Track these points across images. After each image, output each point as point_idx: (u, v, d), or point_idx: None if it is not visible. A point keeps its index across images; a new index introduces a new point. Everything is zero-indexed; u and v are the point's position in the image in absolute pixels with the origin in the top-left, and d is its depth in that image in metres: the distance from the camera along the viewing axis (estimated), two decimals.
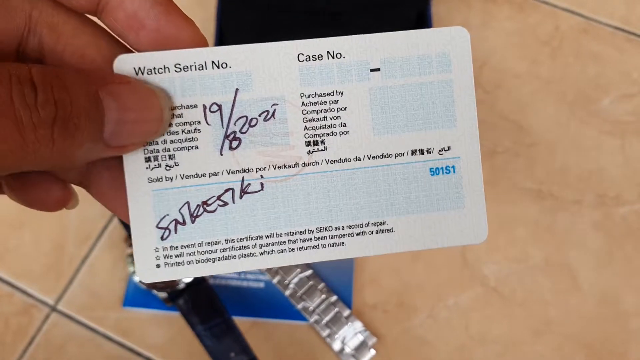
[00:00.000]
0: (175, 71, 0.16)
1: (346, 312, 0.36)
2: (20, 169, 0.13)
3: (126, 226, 0.38)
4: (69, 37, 0.15)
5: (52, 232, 0.39)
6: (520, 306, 0.37)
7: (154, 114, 0.15)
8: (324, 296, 0.36)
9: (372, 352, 0.35)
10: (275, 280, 0.37)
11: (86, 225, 0.39)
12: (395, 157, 0.17)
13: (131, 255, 0.36)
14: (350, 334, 0.35)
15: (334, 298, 0.36)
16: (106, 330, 0.36)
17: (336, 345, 0.35)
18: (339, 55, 0.17)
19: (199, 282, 0.35)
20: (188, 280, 0.35)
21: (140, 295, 0.36)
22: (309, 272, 0.37)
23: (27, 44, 0.15)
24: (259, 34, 0.39)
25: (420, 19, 0.41)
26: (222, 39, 0.40)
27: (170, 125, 0.16)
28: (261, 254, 0.17)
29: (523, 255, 0.38)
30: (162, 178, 0.17)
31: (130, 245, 0.36)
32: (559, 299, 0.37)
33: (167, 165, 0.17)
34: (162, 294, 0.35)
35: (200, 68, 0.16)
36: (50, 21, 0.15)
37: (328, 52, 0.17)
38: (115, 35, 0.16)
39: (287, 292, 0.36)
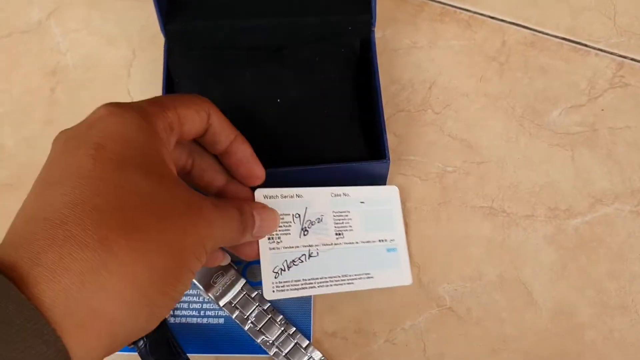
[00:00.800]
0: (281, 198, 0.35)
1: (305, 343, 0.37)
2: (230, 244, 0.29)
3: None
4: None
5: None
6: (476, 325, 0.37)
7: (275, 222, 0.32)
8: (282, 328, 0.37)
9: None
10: (234, 316, 0.37)
11: None
12: (372, 242, 0.37)
13: None
14: None
15: (292, 330, 0.37)
16: None
17: None
18: (347, 194, 0.37)
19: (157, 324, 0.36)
20: None
21: None
22: (267, 305, 0.37)
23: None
24: (204, 71, 0.40)
25: (364, 46, 0.41)
26: (169, 77, 0.41)
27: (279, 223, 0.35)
28: (318, 286, 0.35)
29: (477, 273, 0.39)
30: (274, 248, 0.34)
31: None
32: (515, 315, 0.38)
33: (276, 241, 0.34)
34: None
35: (291, 197, 0.35)
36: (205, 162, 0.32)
37: (343, 193, 0.37)
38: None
39: (246, 327, 0.37)
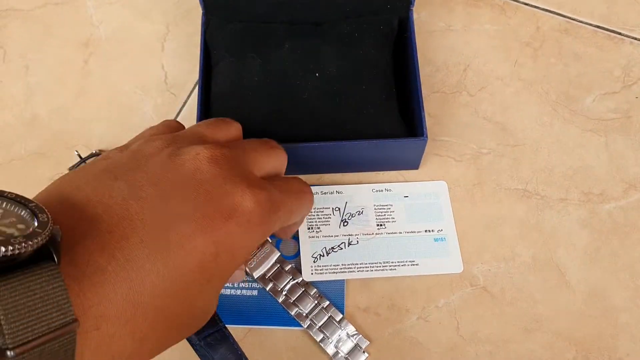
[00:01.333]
0: (321, 194, 0.39)
1: (338, 317, 0.36)
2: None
3: None
4: None
5: None
6: (509, 304, 0.37)
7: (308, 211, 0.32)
8: (316, 301, 0.37)
9: (365, 355, 0.36)
10: (268, 288, 0.37)
11: None
12: (417, 232, 0.38)
13: None
14: (343, 338, 0.36)
15: (326, 303, 0.37)
16: None
17: (330, 350, 0.36)
18: (390, 190, 0.39)
19: None
20: None
21: None
22: (300, 278, 0.37)
23: None
24: (242, 43, 0.40)
25: (402, 25, 0.41)
26: (207, 51, 0.41)
27: (318, 215, 0.39)
28: (358, 271, 0.37)
29: (511, 254, 0.39)
30: (314, 236, 0.38)
31: None
32: (548, 296, 0.38)
33: (316, 231, 0.38)
34: None
35: (331, 193, 0.39)
36: None
37: (385, 188, 0.39)
38: None
39: (280, 299, 0.37)
